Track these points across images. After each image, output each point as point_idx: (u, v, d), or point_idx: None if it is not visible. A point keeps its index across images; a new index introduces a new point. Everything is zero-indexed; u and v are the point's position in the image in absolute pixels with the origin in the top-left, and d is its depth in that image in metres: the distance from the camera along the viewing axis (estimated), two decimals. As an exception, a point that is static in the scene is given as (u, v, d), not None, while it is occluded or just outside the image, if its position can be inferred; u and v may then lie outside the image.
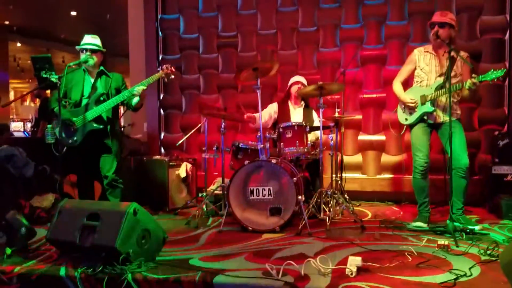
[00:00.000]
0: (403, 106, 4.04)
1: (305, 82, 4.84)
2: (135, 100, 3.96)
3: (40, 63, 5.42)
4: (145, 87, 3.93)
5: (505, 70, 3.45)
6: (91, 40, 4.01)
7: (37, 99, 7.59)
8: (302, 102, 4.93)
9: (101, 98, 3.91)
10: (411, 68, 4.05)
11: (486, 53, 5.15)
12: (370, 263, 2.66)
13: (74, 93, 3.97)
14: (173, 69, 4.08)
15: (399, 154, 5.44)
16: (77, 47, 4.04)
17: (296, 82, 4.84)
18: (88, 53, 3.95)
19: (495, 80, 3.48)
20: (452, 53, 3.54)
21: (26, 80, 19.19)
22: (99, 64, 4.06)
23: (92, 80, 4.02)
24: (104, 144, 3.97)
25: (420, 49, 4.05)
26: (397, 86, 4.08)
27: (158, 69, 4.03)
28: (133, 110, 4.11)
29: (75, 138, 3.83)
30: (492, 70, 3.49)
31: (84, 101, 3.93)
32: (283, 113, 4.82)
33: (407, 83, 4.14)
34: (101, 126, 3.89)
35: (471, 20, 5.22)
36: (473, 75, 3.61)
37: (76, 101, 3.95)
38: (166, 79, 4.09)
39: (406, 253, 2.94)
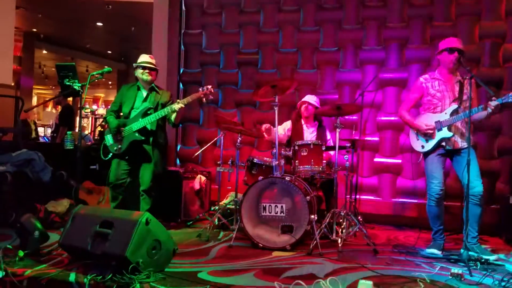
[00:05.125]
0: (416, 133, 3.97)
1: (313, 101, 4.79)
2: (173, 116, 4.17)
3: (64, 71, 5.57)
4: (183, 105, 4.12)
5: None
6: (149, 60, 4.36)
7: (59, 106, 7.74)
8: (316, 122, 4.92)
9: (148, 112, 4.15)
10: (418, 96, 4.01)
11: (509, 80, 5.09)
12: (381, 288, 2.61)
13: (125, 107, 4.31)
14: (212, 90, 4.19)
15: (415, 179, 5.36)
16: (134, 64, 4.37)
17: (303, 102, 4.85)
18: (146, 70, 4.29)
19: None
20: (460, 78, 3.79)
21: (50, 87, 19.62)
22: (152, 82, 4.36)
23: (144, 95, 4.32)
24: (145, 154, 4.22)
25: (425, 76, 4.00)
26: (406, 115, 4.02)
27: (199, 89, 4.17)
28: (172, 125, 4.34)
29: (120, 146, 4.15)
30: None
31: (133, 114, 4.23)
32: (296, 132, 4.82)
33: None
34: (143, 138, 4.14)
35: (494, 47, 5.18)
36: (493, 98, 3.55)
37: (125, 113, 4.27)
38: (205, 100, 4.21)
39: (418, 280, 2.87)
